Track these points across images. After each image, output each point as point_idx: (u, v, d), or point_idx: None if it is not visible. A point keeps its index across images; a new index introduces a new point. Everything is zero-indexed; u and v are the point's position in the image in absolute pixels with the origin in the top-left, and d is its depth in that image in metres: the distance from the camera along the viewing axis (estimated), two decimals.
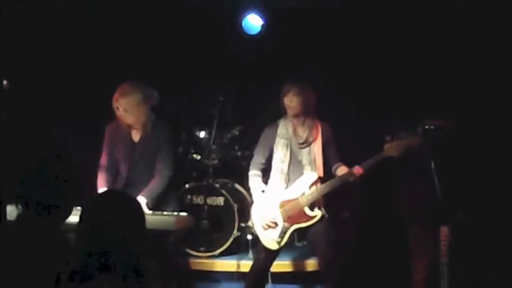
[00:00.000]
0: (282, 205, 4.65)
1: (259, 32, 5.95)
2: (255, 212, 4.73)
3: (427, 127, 4.44)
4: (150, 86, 4.75)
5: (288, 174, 4.67)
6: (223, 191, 5.53)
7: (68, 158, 2.65)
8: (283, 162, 4.67)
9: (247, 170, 5.68)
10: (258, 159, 4.82)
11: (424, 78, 5.55)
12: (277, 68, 5.87)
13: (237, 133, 5.94)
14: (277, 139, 4.71)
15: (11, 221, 2.70)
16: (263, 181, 4.83)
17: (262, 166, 4.81)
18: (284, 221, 4.62)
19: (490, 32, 5.32)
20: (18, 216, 2.61)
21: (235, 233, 5.45)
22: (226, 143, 5.92)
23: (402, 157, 4.49)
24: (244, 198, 5.76)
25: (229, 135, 5.93)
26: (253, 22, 5.96)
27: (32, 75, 5.75)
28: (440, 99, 5.34)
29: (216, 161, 5.74)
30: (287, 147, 4.68)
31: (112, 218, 2.31)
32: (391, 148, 4.48)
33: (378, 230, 5.47)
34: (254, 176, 4.80)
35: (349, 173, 4.56)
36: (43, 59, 5.79)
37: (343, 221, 5.65)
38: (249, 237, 5.46)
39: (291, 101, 4.61)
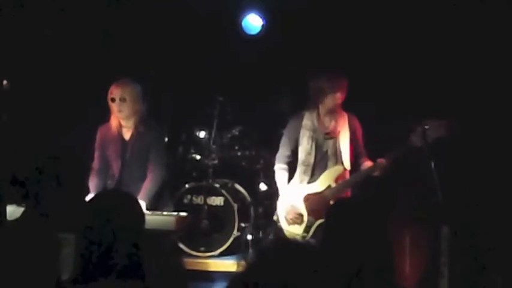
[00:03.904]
0: (306, 198, 4.57)
1: (259, 32, 5.95)
2: (280, 205, 4.65)
3: (427, 127, 4.42)
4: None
5: (313, 166, 4.58)
6: (223, 191, 5.53)
7: (75, 159, 2.64)
8: (308, 154, 4.57)
9: (248, 170, 5.68)
10: (283, 152, 4.72)
11: (424, 79, 5.54)
12: (277, 68, 5.87)
13: (237, 133, 5.94)
14: (302, 131, 4.61)
15: (13, 220, 2.69)
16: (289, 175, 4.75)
17: (287, 159, 4.70)
18: (309, 214, 4.54)
19: (490, 33, 5.32)
20: (22, 216, 2.60)
21: (235, 233, 5.45)
22: (226, 143, 5.91)
23: (428, 149, 4.36)
24: (244, 198, 5.77)
25: (229, 135, 5.93)
26: (253, 22, 5.96)
27: (32, 75, 5.75)
28: (440, 99, 5.34)
29: (216, 161, 5.74)
30: (312, 139, 4.58)
31: (112, 218, 2.31)
32: (416, 139, 4.40)
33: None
34: (280, 170, 4.70)
35: (373, 166, 4.48)
36: (43, 59, 5.78)
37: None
38: (249, 237, 5.46)
39: (335, 100, 4.54)
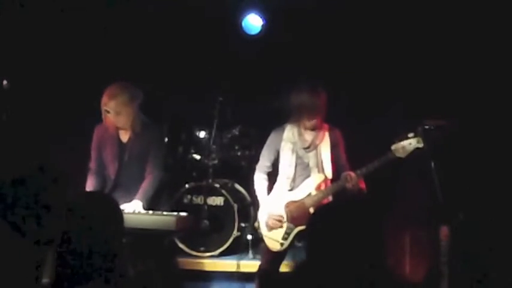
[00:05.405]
0: (287, 205, 4.59)
1: (259, 32, 5.95)
2: (261, 213, 4.70)
3: (427, 127, 4.42)
4: (134, 85, 4.68)
5: (294, 178, 4.60)
6: (223, 191, 5.53)
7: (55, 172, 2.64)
8: (289, 166, 4.59)
9: (247, 170, 5.66)
10: (263, 162, 4.75)
11: (424, 78, 5.55)
12: (277, 68, 5.88)
13: (237, 133, 5.94)
14: (283, 143, 4.63)
15: None
16: (268, 185, 4.77)
17: (268, 169, 4.75)
18: (289, 221, 4.57)
19: (490, 32, 5.32)
20: None
21: (235, 233, 5.45)
22: (226, 143, 5.92)
23: (409, 158, 4.42)
24: (244, 198, 5.77)
25: (229, 135, 5.93)
26: (253, 22, 5.96)
27: (32, 75, 5.75)
28: (440, 99, 5.34)
29: (216, 161, 5.74)
30: (293, 151, 4.60)
31: (90, 220, 2.31)
32: (398, 149, 4.44)
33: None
34: (259, 179, 4.73)
35: (343, 178, 4.48)
36: (43, 59, 5.79)
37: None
38: (249, 237, 5.46)
39: (315, 115, 4.49)
